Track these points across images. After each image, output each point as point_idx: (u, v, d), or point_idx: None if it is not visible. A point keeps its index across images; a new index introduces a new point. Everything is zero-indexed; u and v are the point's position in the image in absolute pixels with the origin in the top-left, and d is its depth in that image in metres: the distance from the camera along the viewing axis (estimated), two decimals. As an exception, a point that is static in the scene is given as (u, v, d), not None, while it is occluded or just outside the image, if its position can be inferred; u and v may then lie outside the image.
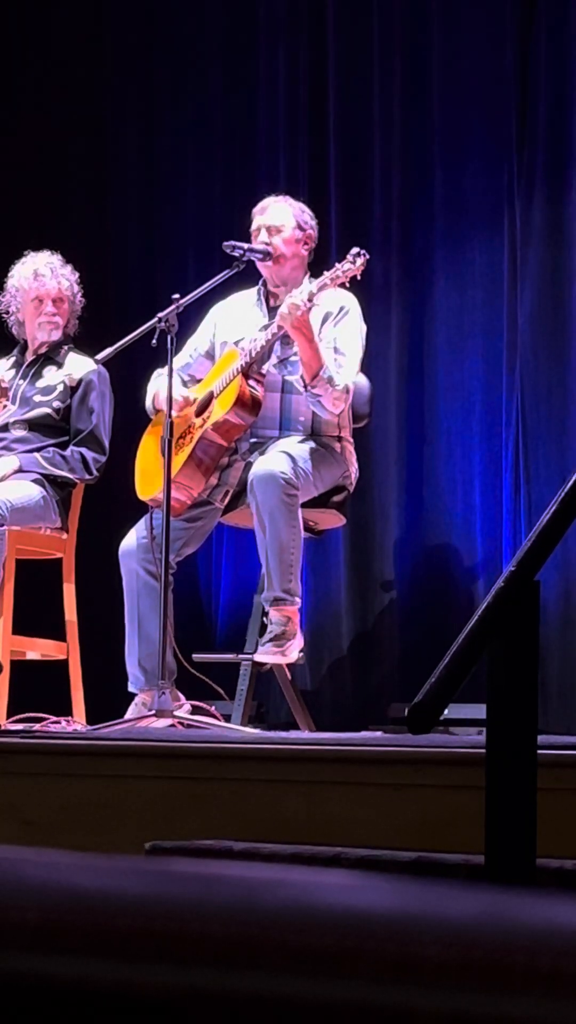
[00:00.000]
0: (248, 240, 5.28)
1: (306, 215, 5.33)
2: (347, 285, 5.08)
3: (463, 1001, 0.67)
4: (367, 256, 5.04)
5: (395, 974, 0.68)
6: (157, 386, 5.24)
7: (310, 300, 4.98)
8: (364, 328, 5.27)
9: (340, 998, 0.69)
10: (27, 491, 5.32)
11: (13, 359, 5.68)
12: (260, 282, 5.36)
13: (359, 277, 5.05)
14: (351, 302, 5.24)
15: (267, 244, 5.24)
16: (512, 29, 6.15)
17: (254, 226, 5.31)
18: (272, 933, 0.72)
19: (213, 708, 4.96)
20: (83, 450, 5.45)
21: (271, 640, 4.92)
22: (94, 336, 5.58)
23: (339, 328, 5.20)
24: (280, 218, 5.28)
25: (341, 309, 5.22)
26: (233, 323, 5.35)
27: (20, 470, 5.37)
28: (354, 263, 5.02)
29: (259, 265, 5.28)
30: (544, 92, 6.09)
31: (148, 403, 5.31)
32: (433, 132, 6.32)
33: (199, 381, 5.35)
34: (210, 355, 5.38)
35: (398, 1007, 0.68)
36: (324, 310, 5.19)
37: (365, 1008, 0.68)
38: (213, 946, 0.73)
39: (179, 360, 5.30)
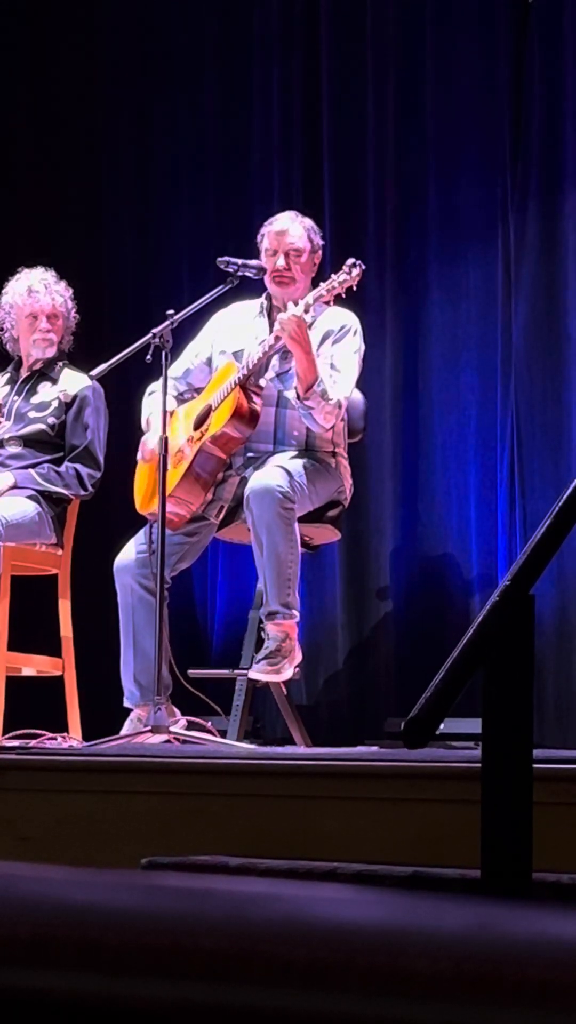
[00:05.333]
0: (243, 254, 5.28)
1: (317, 234, 5.33)
2: (343, 296, 5.09)
3: (453, 1013, 0.67)
4: (363, 267, 5.04)
5: (386, 987, 0.68)
6: (150, 409, 5.24)
7: (306, 311, 4.98)
8: (363, 348, 5.27)
9: (331, 1011, 0.69)
10: (22, 507, 5.32)
11: (8, 375, 5.69)
12: (264, 295, 5.36)
13: (355, 288, 5.06)
14: (352, 321, 5.24)
15: (286, 268, 5.21)
16: (506, 44, 6.16)
17: (267, 244, 5.26)
18: (263, 947, 0.72)
19: (209, 723, 4.96)
20: (78, 466, 5.45)
21: (265, 657, 4.92)
22: (89, 352, 5.58)
23: (338, 346, 5.20)
24: (299, 241, 5.25)
25: (342, 327, 5.22)
26: (233, 333, 5.35)
27: (15, 486, 5.37)
28: (350, 274, 5.02)
29: (270, 287, 5.27)
30: (538, 107, 6.11)
31: (143, 424, 5.31)
32: (427, 147, 6.33)
33: (197, 390, 5.35)
34: (210, 362, 5.38)
35: (389, 1019, 0.68)
36: (325, 328, 5.20)
37: (356, 1021, 0.68)
38: (205, 960, 0.73)
39: (179, 367, 5.31)
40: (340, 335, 5.22)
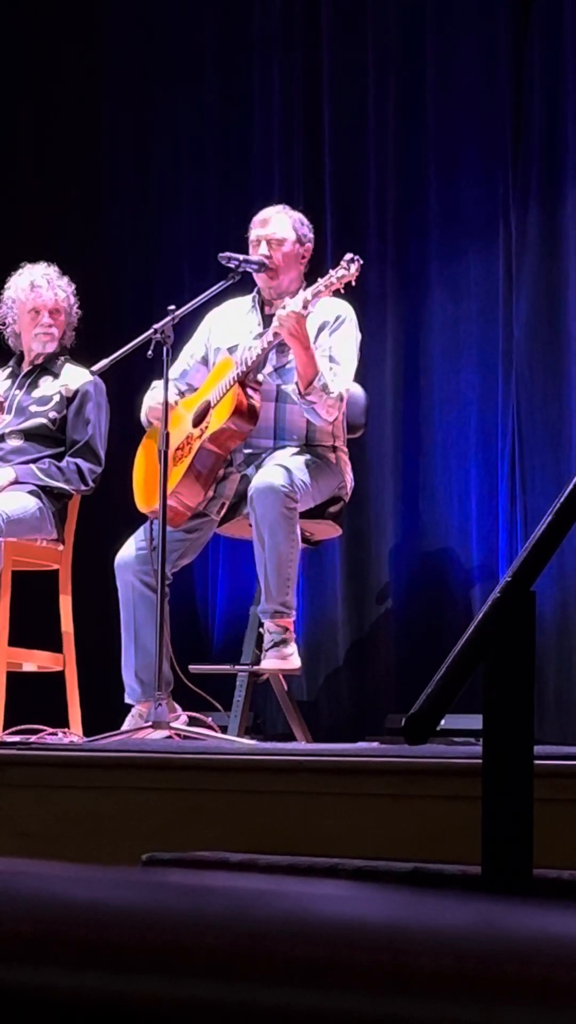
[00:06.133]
0: (243, 250, 5.28)
1: (305, 227, 5.34)
2: (342, 291, 5.09)
3: (456, 1011, 0.67)
4: (361, 261, 5.04)
5: (388, 984, 0.68)
6: (151, 399, 5.24)
7: (304, 307, 4.98)
8: (360, 337, 5.28)
9: (333, 1009, 0.69)
10: (23, 503, 5.32)
11: (9, 369, 5.69)
12: (255, 290, 5.37)
13: (353, 283, 5.06)
14: (347, 311, 5.25)
15: (267, 257, 5.24)
16: (507, 42, 6.16)
17: (253, 236, 5.30)
18: (265, 944, 0.72)
19: (210, 719, 4.96)
20: (79, 461, 5.45)
21: (274, 647, 4.93)
22: (90, 347, 5.58)
23: (335, 337, 5.20)
24: (282, 231, 5.28)
25: (337, 318, 5.22)
26: (227, 329, 5.35)
27: (16, 481, 5.38)
28: (348, 269, 5.02)
29: (256, 277, 5.29)
30: (538, 104, 6.11)
31: (143, 416, 5.31)
32: (428, 144, 6.33)
33: (196, 390, 5.35)
34: (205, 361, 5.39)
35: (391, 1017, 0.68)
36: (320, 319, 5.20)
37: (358, 1019, 0.68)
38: (206, 957, 0.73)
39: (176, 368, 5.32)
40: (336, 325, 5.22)
